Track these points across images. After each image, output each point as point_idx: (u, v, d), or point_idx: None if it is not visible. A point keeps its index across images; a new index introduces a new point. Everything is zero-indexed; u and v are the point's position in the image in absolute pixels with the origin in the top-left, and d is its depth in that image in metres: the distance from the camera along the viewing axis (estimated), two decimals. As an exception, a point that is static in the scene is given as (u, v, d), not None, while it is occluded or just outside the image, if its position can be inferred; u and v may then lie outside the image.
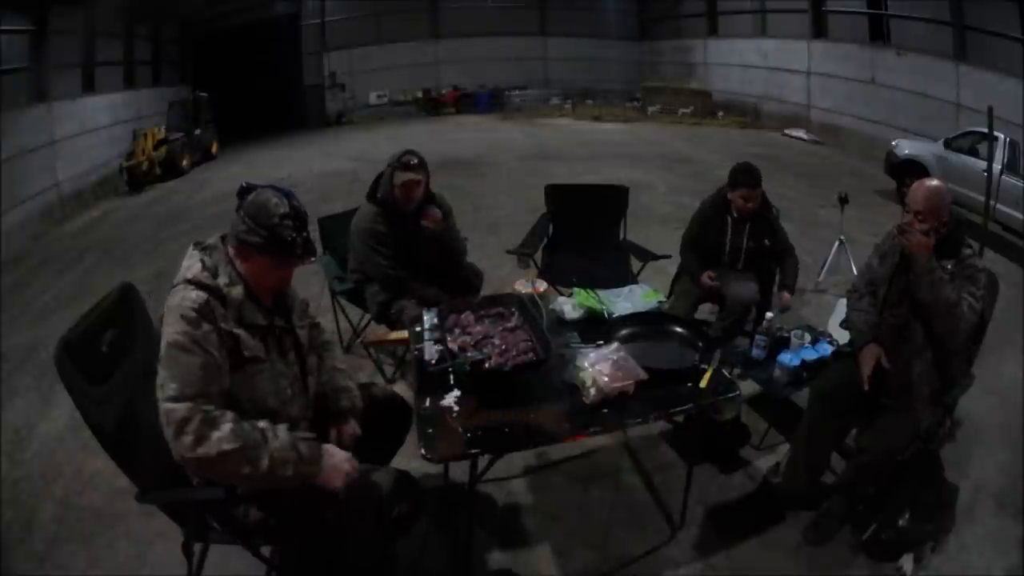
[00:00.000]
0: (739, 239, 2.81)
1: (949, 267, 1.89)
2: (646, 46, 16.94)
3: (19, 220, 7.06)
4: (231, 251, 1.46)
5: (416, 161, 2.51)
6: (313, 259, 1.50)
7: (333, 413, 1.64)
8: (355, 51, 15.94)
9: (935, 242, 1.87)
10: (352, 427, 1.64)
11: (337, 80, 15.83)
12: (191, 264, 1.43)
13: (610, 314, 2.19)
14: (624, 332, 2.03)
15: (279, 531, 1.49)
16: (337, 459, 1.44)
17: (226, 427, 1.28)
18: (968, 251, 1.94)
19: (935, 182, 1.95)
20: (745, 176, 2.73)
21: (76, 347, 1.41)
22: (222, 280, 1.41)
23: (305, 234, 1.46)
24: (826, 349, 2.37)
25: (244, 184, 1.50)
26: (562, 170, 8.01)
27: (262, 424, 1.35)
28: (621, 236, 3.48)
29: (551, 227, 3.49)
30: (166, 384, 1.29)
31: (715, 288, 2.76)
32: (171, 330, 1.33)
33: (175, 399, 1.27)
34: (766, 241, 2.82)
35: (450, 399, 1.70)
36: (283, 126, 14.26)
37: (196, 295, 1.36)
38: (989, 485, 2.30)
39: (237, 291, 1.42)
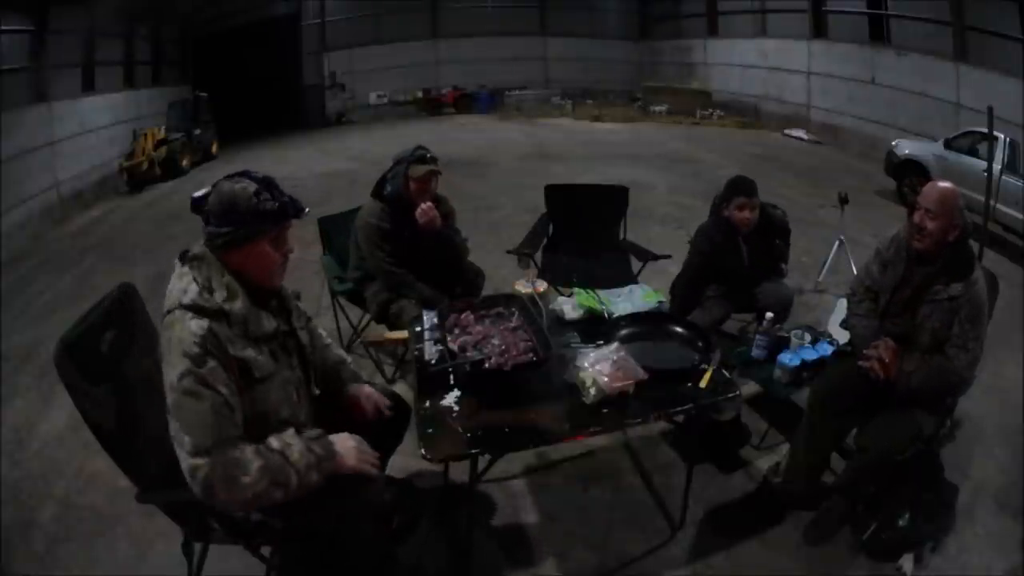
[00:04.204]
0: (755, 254, 2.71)
1: (959, 288, 1.87)
2: (646, 46, 16.92)
3: (19, 220, 7.05)
4: (222, 258, 1.38)
5: (431, 154, 2.57)
6: (306, 211, 1.45)
7: (336, 382, 1.66)
8: (355, 51, 15.92)
9: (950, 241, 1.87)
10: (368, 391, 1.66)
11: (337, 80, 15.82)
12: (184, 286, 1.33)
13: (610, 314, 2.19)
14: (624, 332, 2.03)
15: (279, 533, 1.48)
16: (346, 443, 1.44)
17: (252, 467, 1.26)
18: (975, 275, 1.90)
19: (950, 185, 1.93)
20: (735, 187, 2.62)
21: (76, 347, 1.41)
22: (219, 295, 1.33)
23: (285, 195, 1.41)
24: (826, 349, 2.37)
25: (193, 197, 1.42)
26: (562, 170, 8.01)
27: (276, 444, 1.32)
28: (621, 236, 3.48)
29: (551, 227, 3.49)
30: (181, 436, 1.24)
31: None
32: (175, 372, 1.26)
33: (195, 454, 1.23)
34: (777, 240, 2.76)
35: (450, 399, 1.70)
36: (283, 126, 14.24)
37: (196, 325, 1.28)
38: (989, 485, 2.30)
39: (239, 305, 1.35)
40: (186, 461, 1.24)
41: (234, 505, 1.28)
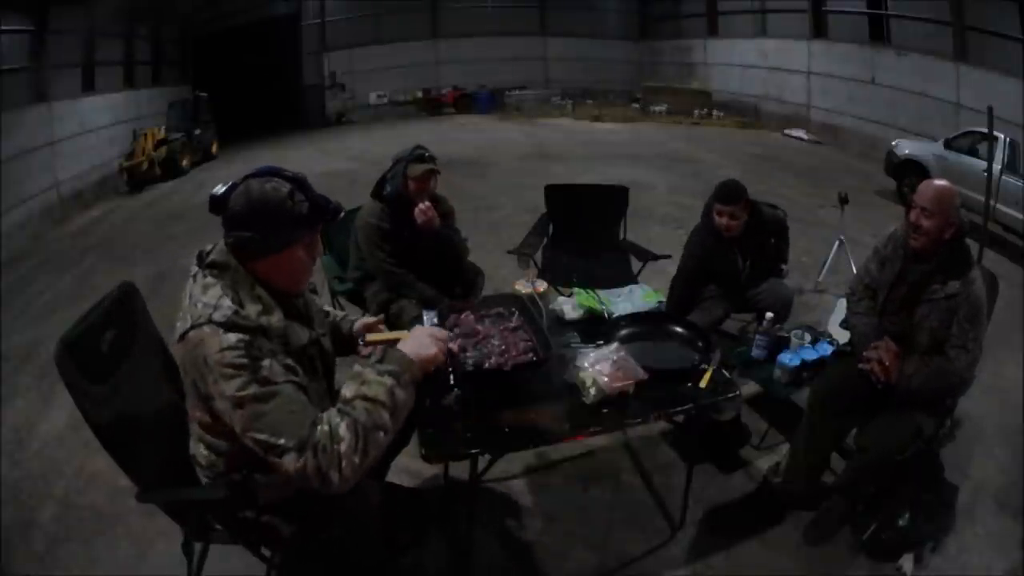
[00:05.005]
0: (748, 256, 2.69)
1: (956, 286, 1.87)
2: (646, 46, 16.94)
3: (19, 220, 7.06)
4: (248, 267, 1.26)
5: (429, 153, 2.58)
6: (342, 213, 1.38)
7: (342, 337, 1.64)
8: (355, 51, 15.94)
9: (946, 239, 1.87)
10: (366, 319, 1.65)
11: (337, 80, 15.84)
12: (212, 300, 1.20)
13: (610, 314, 2.19)
14: (624, 332, 2.03)
15: (285, 540, 1.48)
16: (416, 337, 1.32)
17: (340, 429, 1.13)
18: (973, 274, 1.90)
19: (946, 183, 1.93)
20: (716, 192, 2.59)
21: (76, 346, 1.40)
22: (252, 309, 1.21)
23: (316, 194, 1.30)
24: (826, 349, 2.37)
25: (213, 195, 1.26)
26: (562, 170, 8.02)
27: (349, 392, 1.19)
28: (621, 236, 3.48)
29: (551, 227, 3.49)
30: (275, 443, 1.12)
31: None
32: (231, 390, 1.14)
33: (300, 450, 1.12)
34: (772, 240, 2.74)
35: (450, 399, 1.70)
36: (283, 126, 14.25)
37: (235, 338, 1.16)
38: (989, 485, 2.31)
39: (276, 318, 1.24)
40: (293, 465, 1.11)
41: (352, 480, 1.14)
